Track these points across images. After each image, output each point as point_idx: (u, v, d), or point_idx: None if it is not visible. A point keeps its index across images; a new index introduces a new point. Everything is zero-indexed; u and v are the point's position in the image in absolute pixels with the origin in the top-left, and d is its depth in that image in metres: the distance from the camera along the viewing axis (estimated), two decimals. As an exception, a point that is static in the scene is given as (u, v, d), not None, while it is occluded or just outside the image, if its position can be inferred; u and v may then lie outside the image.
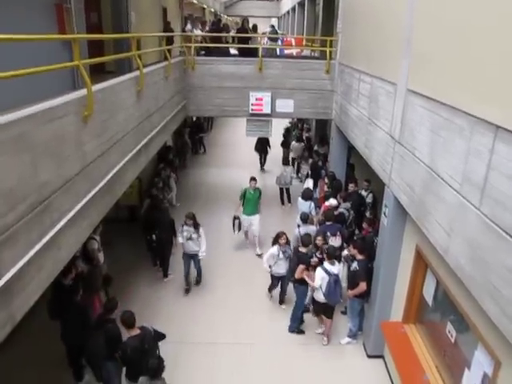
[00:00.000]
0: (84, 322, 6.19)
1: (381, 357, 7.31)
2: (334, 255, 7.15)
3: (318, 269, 7.11)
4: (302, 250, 7.63)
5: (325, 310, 7.36)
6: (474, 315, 4.27)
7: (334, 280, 6.94)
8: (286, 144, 16.29)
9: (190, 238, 8.53)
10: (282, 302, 8.68)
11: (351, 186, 10.31)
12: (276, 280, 8.47)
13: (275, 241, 8.12)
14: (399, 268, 6.65)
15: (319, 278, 7.02)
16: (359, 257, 7.17)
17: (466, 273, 3.70)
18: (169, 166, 13.37)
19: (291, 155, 15.56)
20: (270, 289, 8.76)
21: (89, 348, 5.94)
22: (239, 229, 10.41)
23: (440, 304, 5.60)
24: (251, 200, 10.31)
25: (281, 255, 7.99)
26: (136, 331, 5.60)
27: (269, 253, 8.15)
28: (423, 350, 5.92)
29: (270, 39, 15.57)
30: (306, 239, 7.72)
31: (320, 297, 7.16)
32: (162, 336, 5.89)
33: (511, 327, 2.99)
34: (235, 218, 10.38)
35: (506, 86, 3.15)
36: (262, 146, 16.85)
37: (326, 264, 7.08)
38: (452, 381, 5.16)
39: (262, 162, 17.40)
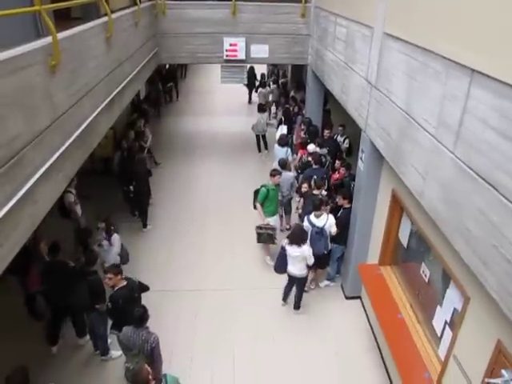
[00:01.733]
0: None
1: (358, 298, 7.59)
2: (319, 207, 7.08)
3: (305, 218, 7.18)
4: (316, 192, 7.79)
5: (317, 260, 7.27)
6: (447, 255, 4.42)
7: (316, 232, 6.99)
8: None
9: (100, 245, 7.01)
10: (298, 307, 7.41)
11: (326, 132, 10.35)
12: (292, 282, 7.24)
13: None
14: (376, 212, 6.78)
15: (304, 226, 7.08)
16: (347, 205, 7.35)
17: (440, 215, 3.79)
18: (142, 115, 13.11)
19: (259, 101, 15.43)
20: (286, 292, 7.40)
21: (72, 301, 5.98)
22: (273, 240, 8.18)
23: (415, 246, 5.77)
24: (274, 197, 8.32)
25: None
26: (123, 282, 5.69)
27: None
28: (398, 290, 6.15)
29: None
30: (318, 182, 7.85)
31: None
32: (145, 288, 5.97)
33: (480, 265, 3.11)
34: (266, 228, 8.07)
35: (481, 29, 3.12)
36: (250, 80, 17.08)
37: (312, 216, 7.10)
38: (425, 317, 5.41)
39: (251, 96, 18.59)
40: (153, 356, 5.03)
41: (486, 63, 3.03)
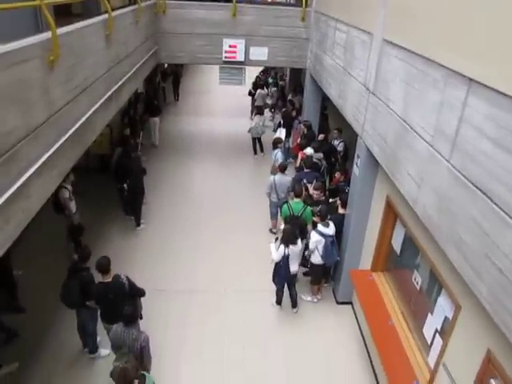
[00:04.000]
0: None
1: (349, 303, 7.59)
2: (326, 216, 7.02)
3: (313, 232, 7.00)
4: (316, 194, 7.95)
5: (324, 272, 7.36)
6: (439, 263, 4.43)
7: (330, 242, 6.85)
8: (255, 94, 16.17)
9: None
10: (296, 304, 7.44)
11: (320, 137, 10.39)
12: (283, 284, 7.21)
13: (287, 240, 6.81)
14: (369, 217, 6.79)
15: (314, 241, 6.90)
16: (340, 211, 7.33)
17: (434, 223, 3.79)
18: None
19: (256, 103, 15.46)
20: (280, 296, 7.35)
21: (64, 297, 5.94)
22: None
23: (407, 253, 5.77)
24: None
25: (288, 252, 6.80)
26: (107, 278, 5.62)
27: (279, 254, 6.80)
28: (390, 297, 6.15)
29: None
30: (316, 184, 8.00)
31: (317, 259, 7.05)
32: (139, 292, 5.87)
33: (473, 274, 3.11)
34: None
35: (480, 39, 3.13)
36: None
37: (320, 226, 6.95)
38: (415, 325, 5.41)
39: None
40: (142, 355, 5.02)
41: (483, 72, 3.04)
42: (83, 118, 5.08)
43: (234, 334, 6.88)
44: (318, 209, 7.25)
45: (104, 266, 5.59)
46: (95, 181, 10.55)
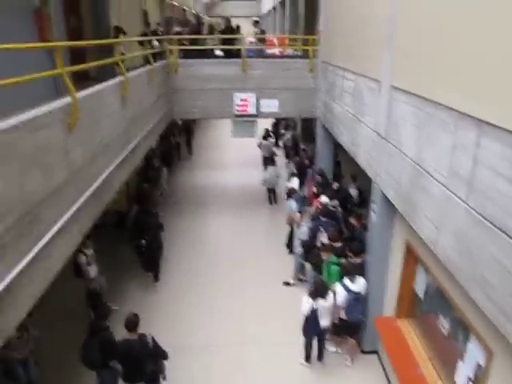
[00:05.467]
0: None
1: (375, 352, 7.36)
2: (351, 271, 6.75)
3: (338, 286, 6.70)
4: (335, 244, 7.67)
5: (347, 328, 7.00)
6: (465, 307, 4.33)
7: (354, 298, 6.58)
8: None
9: None
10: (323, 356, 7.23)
11: (335, 186, 10.42)
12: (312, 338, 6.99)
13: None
14: (390, 263, 6.70)
15: (342, 296, 6.57)
16: (357, 259, 7.16)
17: (456, 265, 3.74)
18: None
19: (262, 154, 15.64)
20: (309, 351, 7.07)
21: (84, 357, 5.86)
22: None
23: (432, 298, 5.65)
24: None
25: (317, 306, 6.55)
26: (133, 336, 5.54)
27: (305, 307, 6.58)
28: (417, 344, 5.97)
29: (258, 39, 15.38)
30: (333, 235, 7.76)
31: (341, 313, 6.78)
32: (162, 354, 5.75)
33: (500, 316, 3.03)
34: None
35: (486, 80, 3.19)
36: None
37: (346, 280, 6.69)
38: (445, 372, 5.21)
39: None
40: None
41: (493, 113, 3.08)
42: (102, 177, 5.20)
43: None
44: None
45: (131, 323, 5.53)
46: (112, 237, 10.59)
